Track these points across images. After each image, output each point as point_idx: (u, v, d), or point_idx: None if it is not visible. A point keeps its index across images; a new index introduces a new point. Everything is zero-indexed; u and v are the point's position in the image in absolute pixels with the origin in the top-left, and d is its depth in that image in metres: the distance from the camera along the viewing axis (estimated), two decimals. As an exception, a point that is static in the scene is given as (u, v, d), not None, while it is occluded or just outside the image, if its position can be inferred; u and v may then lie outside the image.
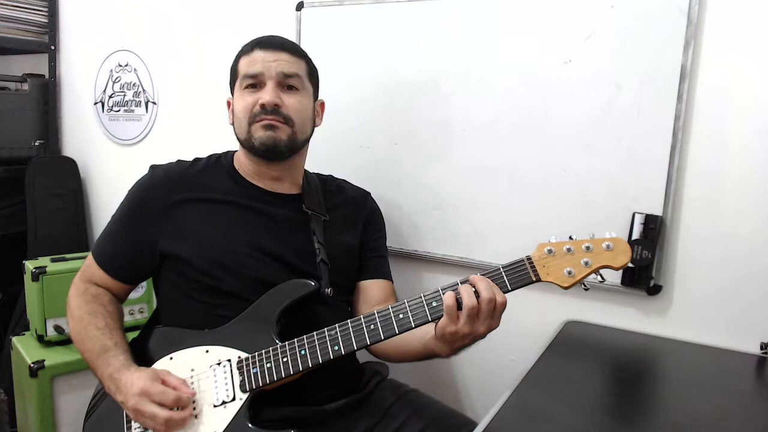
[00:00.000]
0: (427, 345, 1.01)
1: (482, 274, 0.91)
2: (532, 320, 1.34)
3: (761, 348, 1.13)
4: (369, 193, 1.34)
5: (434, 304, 0.92)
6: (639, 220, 1.20)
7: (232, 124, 1.18)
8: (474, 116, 1.38)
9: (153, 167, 1.22)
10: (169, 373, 1.02)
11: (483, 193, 1.39)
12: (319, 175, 1.32)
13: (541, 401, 0.94)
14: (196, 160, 1.23)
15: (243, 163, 1.20)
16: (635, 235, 1.20)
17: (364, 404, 1.15)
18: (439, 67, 1.41)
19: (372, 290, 1.23)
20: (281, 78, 1.12)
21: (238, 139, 1.17)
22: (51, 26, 2.30)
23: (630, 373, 1.09)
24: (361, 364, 1.23)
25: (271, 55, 1.13)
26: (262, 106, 1.10)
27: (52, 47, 2.31)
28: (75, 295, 1.16)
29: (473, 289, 0.89)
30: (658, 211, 1.19)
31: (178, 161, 1.23)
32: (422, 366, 1.47)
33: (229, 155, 1.24)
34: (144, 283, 1.79)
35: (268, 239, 1.13)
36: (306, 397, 1.07)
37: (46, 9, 2.29)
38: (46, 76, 2.32)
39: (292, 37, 1.59)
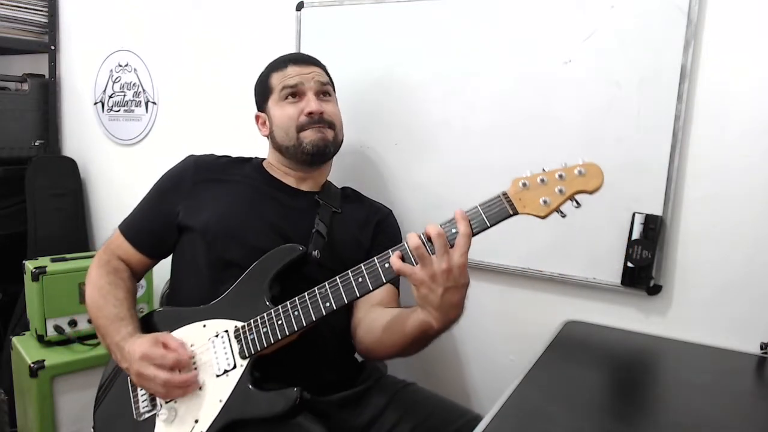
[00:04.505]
0: (418, 321, 0.96)
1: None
2: (532, 320, 1.33)
3: (761, 348, 1.13)
4: (391, 211, 1.34)
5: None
6: (639, 220, 1.20)
7: (267, 136, 1.28)
8: (474, 116, 1.38)
9: (188, 156, 1.29)
10: (170, 335, 1.07)
11: (483, 192, 1.37)
12: (343, 187, 1.35)
13: (541, 401, 0.93)
14: (227, 155, 1.31)
15: (272, 165, 1.28)
16: (635, 235, 1.20)
17: (363, 399, 1.16)
18: (440, 67, 1.41)
19: (373, 293, 1.22)
20: (319, 87, 1.23)
21: (279, 147, 1.24)
22: (51, 26, 2.30)
23: (630, 373, 1.09)
24: (361, 362, 1.24)
25: (306, 68, 1.24)
26: (309, 114, 1.19)
27: (52, 47, 2.31)
28: (97, 265, 1.22)
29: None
30: (658, 211, 1.19)
31: (211, 153, 1.30)
32: (422, 366, 1.47)
33: (258, 159, 1.32)
34: (144, 283, 1.80)
35: (273, 215, 1.18)
36: (306, 382, 1.06)
37: (46, 9, 2.29)
38: (46, 76, 2.32)
39: (292, 37, 1.62)
